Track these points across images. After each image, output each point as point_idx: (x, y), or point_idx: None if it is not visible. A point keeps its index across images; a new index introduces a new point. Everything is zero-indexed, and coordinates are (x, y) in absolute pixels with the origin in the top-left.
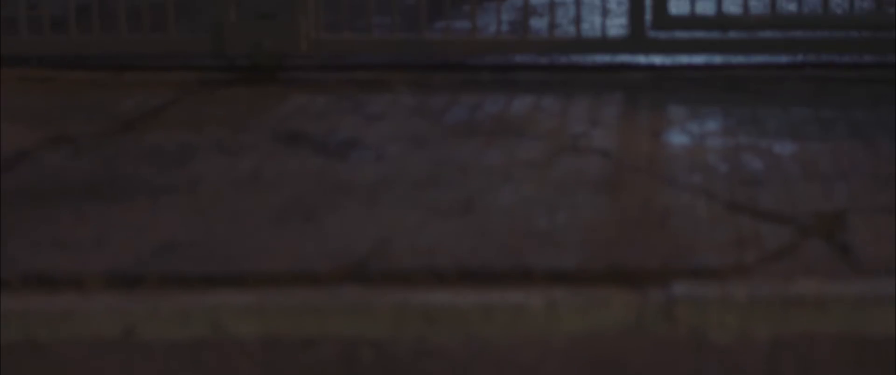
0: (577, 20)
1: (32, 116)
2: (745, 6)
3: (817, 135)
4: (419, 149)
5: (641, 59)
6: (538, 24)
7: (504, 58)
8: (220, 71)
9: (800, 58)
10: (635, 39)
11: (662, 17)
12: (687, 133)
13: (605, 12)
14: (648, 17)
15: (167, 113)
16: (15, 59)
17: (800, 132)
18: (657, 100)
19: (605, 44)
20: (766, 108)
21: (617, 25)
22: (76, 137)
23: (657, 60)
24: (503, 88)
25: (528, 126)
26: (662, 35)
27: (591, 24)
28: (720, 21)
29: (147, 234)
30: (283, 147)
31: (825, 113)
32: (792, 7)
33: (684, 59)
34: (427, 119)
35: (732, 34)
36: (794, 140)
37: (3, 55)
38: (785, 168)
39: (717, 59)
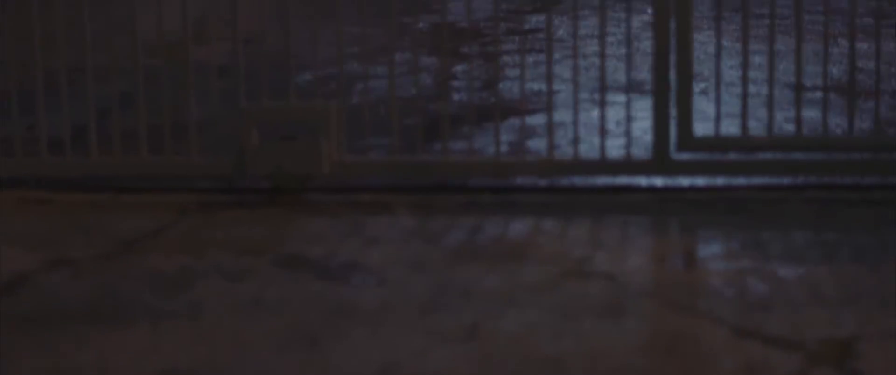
0: (602, 141)
1: (31, 239)
2: (745, 127)
3: (822, 259)
4: (421, 273)
5: (642, 180)
6: (537, 144)
7: (504, 179)
8: (220, 193)
9: (800, 179)
10: (660, 161)
11: (688, 139)
12: (691, 257)
13: (604, 133)
14: (673, 138)
15: (167, 236)
16: (12, 180)
17: (804, 256)
18: (659, 223)
19: (629, 166)
20: (768, 230)
21: (616, 147)
22: (76, 261)
23: (657, 181)
24: (504, 209)
25: (530, 249)
26: (686, 156)
27: (591, 145)
28: (747, 142)
29: (149, 360)
30: (284, 271)
31: (828, 236)
32: (790, 128)
33: (684, 180)
34: (428, 242)
35: (732, 155)
36: (799, 264)
37: (2, 177)
38: (791, 293)
39: (719, 180)
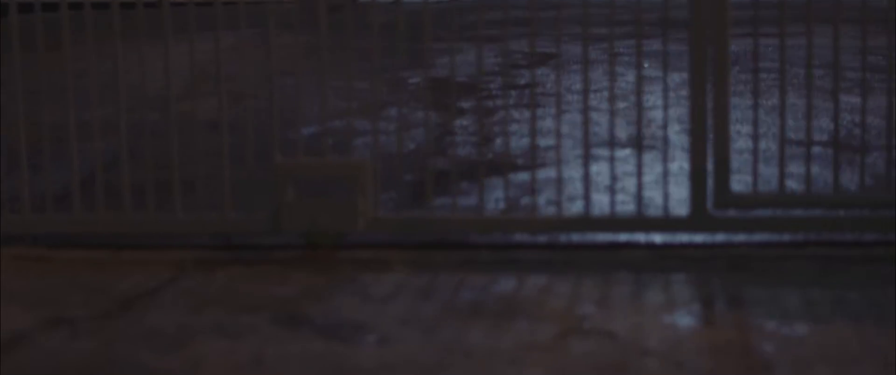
0: (619, 195)
1: (29, 298)
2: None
3: (826, 317)
4: (424, 332)
5: (641, 237)
6: (539, 200)
7: (506, 236)
8: (218, 250)
9: (800, 236)
10: (697, 218)
11: (725, 195)
12: (694, 315)
13: (613, 190)
14: (710, 194)
15: (166, 294)
16: (9, 238)
17: (808, 314)
18: (662, 280)
19: (666, 223)
20: (771, 288)
21: (621, 202)
22: (74, 320)
23: (658, 238)
24: (507, 267)
25: (534, 307)
26: (721, 213)
27: (592, 201)
28: (784, 199)
29: None
30: (284, 330)
31: (831, 294)
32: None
33: (685, 237)
34: (431, 301)
35: (761, 212)
36: (803, 322)
37: (0, 234)
38: (795, 352)
39: (719, 237)
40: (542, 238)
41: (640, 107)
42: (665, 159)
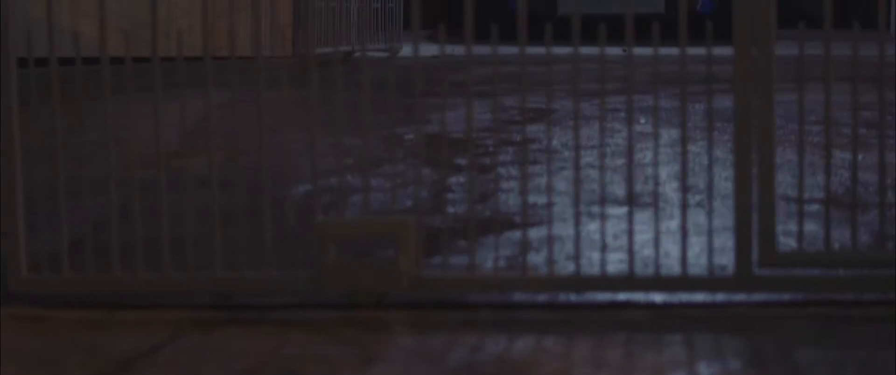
0: (630, 256)
1: (25, 360)
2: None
3: None
4: None
5: (639, 296)
6: (536, 259)
7: (503, 295)
8: (215, 310)
9: (800, 296)
10: (742, 277)
11: (770, 254)
12: None
13: (604, 247)
14: (755, 253)
15: (163, 354)
16: (7, 297)
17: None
18: (661, 340)
19: (711, 283)
20: (771, 349)
21: (615, 260)
22: None
23: (657, 298)
24: (504, 327)
25: (531, 369)
26: (767, 272)
27: (589, 260)
28: (830, 257)
29: None
30: None
31: (831, 354)
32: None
33: (684, 296)
34: (427, 362)
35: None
36: None
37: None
38: None
39: (719, 296)
40: (541, 298)
41: (630, 166)
42: (710, 215)
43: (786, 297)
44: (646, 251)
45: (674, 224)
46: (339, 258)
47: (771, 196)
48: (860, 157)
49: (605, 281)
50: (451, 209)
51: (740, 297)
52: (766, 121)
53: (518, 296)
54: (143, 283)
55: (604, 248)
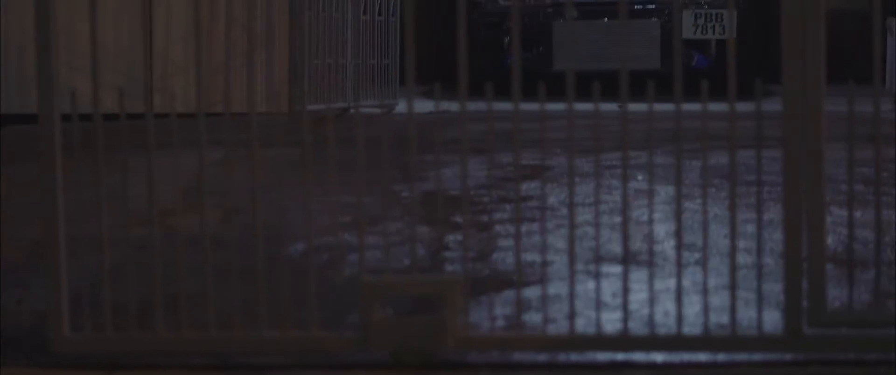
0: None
1: None
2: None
3: None
4: None
5: (639, 356)
6: (534, 318)
7: (502, 355)
8: (210, 370)
9: (801, 356)
10: (793, 338)
11: (820, 314)
12: None
13: (599, 305)
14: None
15: None
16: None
17: None
18: None
19: (760, 342)
20: None
21: (613, 320)
22: None
23: (658, 357)
24: None
25: None
26: (819, 332)
27: (588, 319)
28: (882, 318)
29: None
30: None
31: None
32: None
33: (685, 356)
34: None
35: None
36: None
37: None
38: None
39: (721, 356)
40: (541, 357)
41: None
42: (759, 275)
43: (787, 357)
44: (694, 309)
45: (718, 282)
46: (384, 318)
47: (822, 257)
48: None
49: (652, 342)
50: (449, 268)
51: (743, 356)
52: (815, 179)
53: (574, 356)
54: (149, 342)
55: (652, 302)
